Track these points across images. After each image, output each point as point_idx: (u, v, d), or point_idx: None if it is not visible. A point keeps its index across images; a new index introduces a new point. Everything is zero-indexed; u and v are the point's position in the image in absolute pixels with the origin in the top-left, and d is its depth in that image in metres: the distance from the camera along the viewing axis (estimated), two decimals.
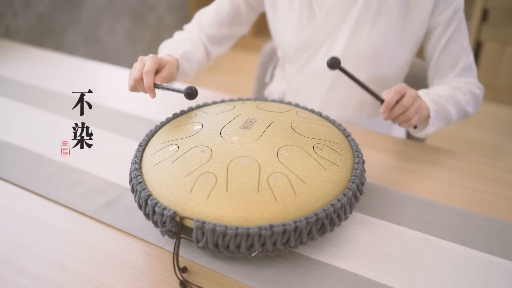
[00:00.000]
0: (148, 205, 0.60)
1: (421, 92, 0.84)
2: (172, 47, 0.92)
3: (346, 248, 0.64)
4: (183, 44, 0.94)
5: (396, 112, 0.77)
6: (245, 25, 1.07)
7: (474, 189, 0.78)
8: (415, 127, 0.84)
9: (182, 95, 0.70)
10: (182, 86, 0.71)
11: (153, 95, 0.76)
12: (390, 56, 0.94)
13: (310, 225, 0.57)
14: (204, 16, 1.03)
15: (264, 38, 2.97)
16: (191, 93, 0.69)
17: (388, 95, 0.76)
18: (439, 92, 0.86)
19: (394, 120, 0.79)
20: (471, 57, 0.92)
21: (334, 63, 0.71)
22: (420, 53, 1.05)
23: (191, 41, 0.97)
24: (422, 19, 0.89)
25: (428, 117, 0.84)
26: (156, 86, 0.76)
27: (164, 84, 0.77)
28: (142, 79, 0.76)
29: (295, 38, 0.99)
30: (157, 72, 0.79)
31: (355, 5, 0.91)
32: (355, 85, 1.00)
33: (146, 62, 0.76)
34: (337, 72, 0.98)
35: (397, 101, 0.77)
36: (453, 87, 0.89)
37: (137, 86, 0.78)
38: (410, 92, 0.78)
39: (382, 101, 0.77)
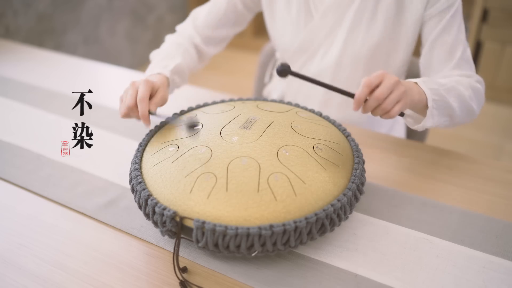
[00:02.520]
0: (148, 205, 0.60)
1: (419, 80, 0.76)
2: (162, 61, 0.89)
3: (346, 248, 0.64)
4: (173, 56, 0.91)
5: (370, 106, 0.69)
6: (241, 24, 1.06)
7: (474, 189, 0.78)
8: (401, 114, 0.75)
9: (183, 96, 0.70)
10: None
11: (148, 123, 0.73)
12: (387, 55, 0.94)
13: (310, 225, 0.57)
14: (199, 17, 1.00)
15: (264, 38, 2.97)
16: (190, 128, 0.71)
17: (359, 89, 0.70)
18: (439, 80, 0.79)
19: (372, 112, 0.71)
20: (468, 50, 0.87)
21: (283, 70, 0.66)
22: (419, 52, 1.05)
23: (182, 47, 0.94)
24: (417, 16, 0.88)
25: (426, 106, 0.75)
26: (150, 113, 0.73)
27: (159, 113, 0.74)
28: (136, 106, 0.73)
29: (293, 40, 0.99)
30: (150, 97, 0.75)
31: (351, 5, 0.91)
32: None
33: (139, 88, 0.73)
34: (335, 73, 0.98)
35: (372, 91, 0.69)
36: (453, 80, 0.81)
37: (130, 113, 0.74)
38: (388, 80, 0.68)
39: (352, 96, 0.70)
